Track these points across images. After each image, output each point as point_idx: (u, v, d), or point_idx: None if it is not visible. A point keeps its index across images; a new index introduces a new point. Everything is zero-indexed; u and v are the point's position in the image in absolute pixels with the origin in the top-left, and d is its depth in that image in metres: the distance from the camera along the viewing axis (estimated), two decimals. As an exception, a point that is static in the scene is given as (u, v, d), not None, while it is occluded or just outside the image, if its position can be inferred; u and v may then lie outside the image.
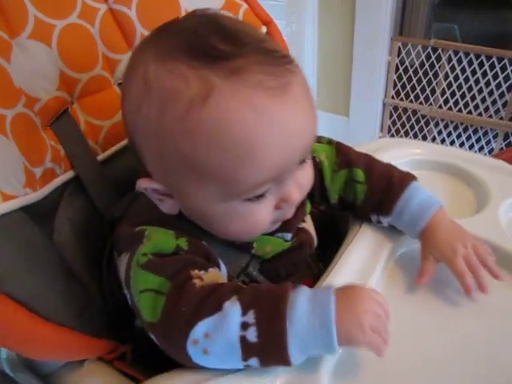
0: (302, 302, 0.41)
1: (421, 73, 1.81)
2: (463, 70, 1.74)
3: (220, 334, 0.41)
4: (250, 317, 0.41)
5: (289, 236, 0.54)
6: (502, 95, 1.75)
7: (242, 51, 0.42)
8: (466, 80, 1.76)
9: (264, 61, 0.43)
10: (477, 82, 1.75)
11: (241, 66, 0.41)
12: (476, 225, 0.61)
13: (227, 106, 0.41)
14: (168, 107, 0.42)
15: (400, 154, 0.73)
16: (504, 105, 1.76)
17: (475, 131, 1.84)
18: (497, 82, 1.71)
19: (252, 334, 0.41)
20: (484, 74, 1.72)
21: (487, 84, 1.73)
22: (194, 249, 0.48)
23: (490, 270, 0.54)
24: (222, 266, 0.50)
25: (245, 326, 0.41)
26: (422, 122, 1.88)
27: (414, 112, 1.88)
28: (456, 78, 1.77)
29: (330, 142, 0.62)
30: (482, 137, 1.84)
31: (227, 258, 0.51)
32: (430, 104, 1.85)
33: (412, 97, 1.85)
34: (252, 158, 0.42)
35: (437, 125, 1.87)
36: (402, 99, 1.88)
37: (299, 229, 0.57)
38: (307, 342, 0.41)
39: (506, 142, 1.78)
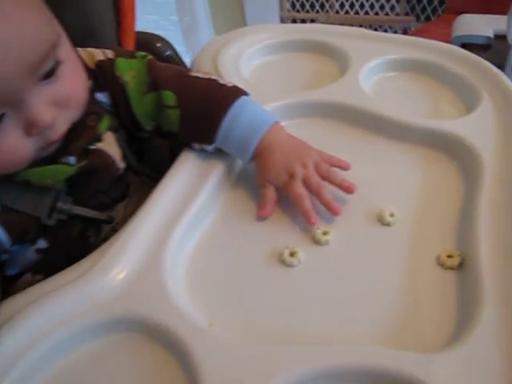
0: None
1: (312, -20, 1.78)
2: (352, -30, 1.72)
3: None
4: None
5: (72, 160, 0.47)
6: (394, -10, 1.75)
7: None
8: (358, -20, 1.74)
9: None
10: (368, -20, 1.74)
11: None
12: (337, 91, 0.60)
13: None
14: None
15: (254, 40, 0.70)
16: (398, 0, 1.76)
17: (375, 31, 1.85)
18: (387, -23, 1.71)
19: None
20: (373, -29, 1.71)
21: (379, -19, 1.73)
22: None
23: (338, 186, 0.48)
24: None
25: None
26: (323, 31, 1.87)
27: (313, 22, 1.86)
28: (347, -20, 1.75)
29: (143, 57, 0.53)
30: (382, 36, 1.85)
31: (28, 203, 0.46)
32: (327, 11, 1.83)
33: (308, 7, 1.82)
34: None
35: (337, 31, 1.86)
36: (298, 11, 1.85)
37: (90, 150, 0.49)
38: None
39: (406, 36, 1.80)
